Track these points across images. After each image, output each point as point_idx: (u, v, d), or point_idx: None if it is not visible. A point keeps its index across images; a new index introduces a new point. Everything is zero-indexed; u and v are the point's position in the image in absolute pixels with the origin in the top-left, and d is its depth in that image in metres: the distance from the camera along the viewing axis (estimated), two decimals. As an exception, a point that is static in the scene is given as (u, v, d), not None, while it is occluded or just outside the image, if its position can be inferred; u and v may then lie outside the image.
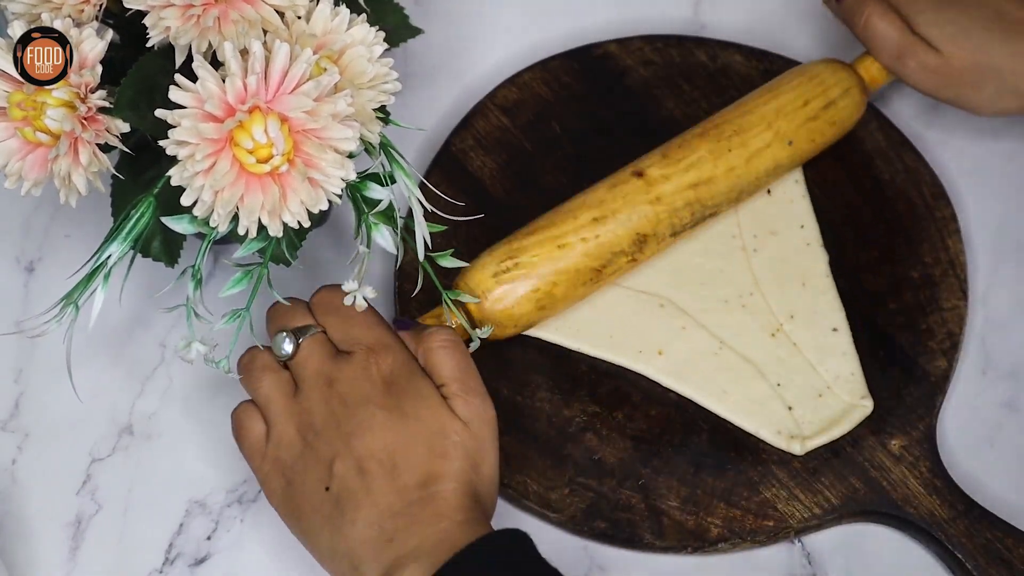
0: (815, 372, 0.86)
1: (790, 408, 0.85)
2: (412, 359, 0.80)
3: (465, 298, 0.83)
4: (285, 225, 0.72)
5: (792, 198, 0.91)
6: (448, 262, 0.80)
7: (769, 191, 0.91)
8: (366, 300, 0.77)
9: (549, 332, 0.87)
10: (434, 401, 0.78)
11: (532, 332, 0.87)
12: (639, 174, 0.87)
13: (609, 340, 0.87)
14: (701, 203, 0.87)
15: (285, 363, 0.80)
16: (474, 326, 0.84)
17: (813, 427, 0.85)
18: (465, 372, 0.80)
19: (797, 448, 0.84)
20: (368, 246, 0.77)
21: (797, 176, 0.92)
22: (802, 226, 0.90)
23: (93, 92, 0.74)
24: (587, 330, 0.87)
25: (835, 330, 0.87)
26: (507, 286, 0.84)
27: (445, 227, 0.81)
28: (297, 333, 0.80)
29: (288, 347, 0.79)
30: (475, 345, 0.83)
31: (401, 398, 0.78)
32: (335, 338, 0.80)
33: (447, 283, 0.83)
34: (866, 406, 0.85)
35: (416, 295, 0.84)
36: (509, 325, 0.85)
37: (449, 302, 0.81)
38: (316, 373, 0.79)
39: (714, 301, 0.88)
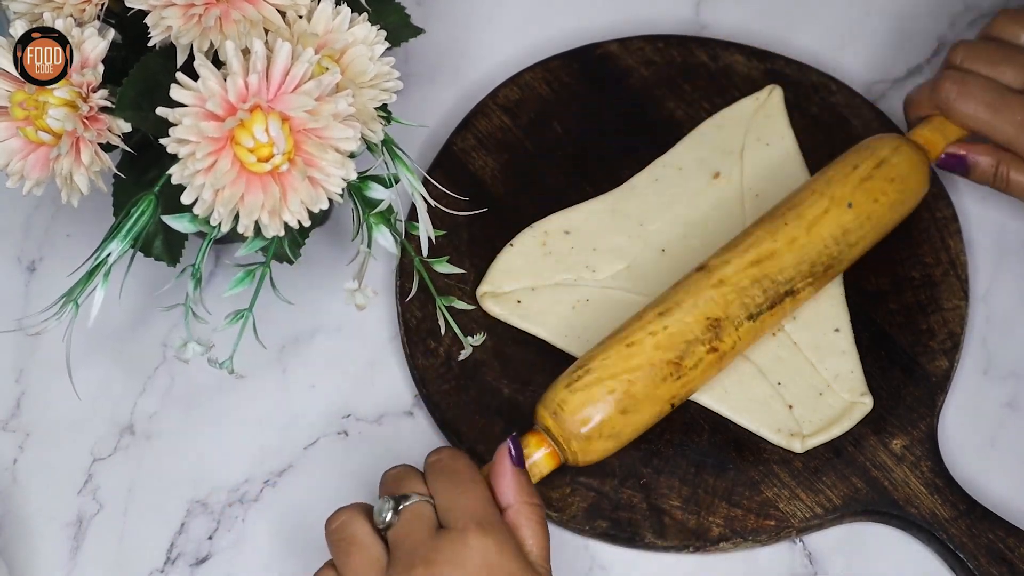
0: (815, 371, 0.86)
1: (790, 407, 0.85)
2: (514, 542, 0.74)
3: (460, 304, 0.82)
4: (286, 224, 0.72)
5: None
6: (444, 267, 0.81)
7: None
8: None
9: (556, 336, 0.87)
10: None
11: (539, 333, 0.87)
12: (700, 267, 0.84)
13: None
14: (770, 278, 0.83)
15: (384, 531, 0.75)
16: (563, 453, 0.80)
17: (813, 425, 0.85)
18: (547, 551, 0.75)
19: (797, 446, 0.84)
20: (369, 246, 0.77)
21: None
22: None
23: (95, 91, 0.74)
24: (595, 340, 0.87)
25: (837, 330, 0.87)
26: (582, 393, 0.80)
27: (444, 232, 0.81)
28: (400, 500, 0.74)
29: (388, 516, 0.74)
30: (467, 352, 0.82)
31: None
32: (440, 504, 0.75)
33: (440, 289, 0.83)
34: (866, 403, 0.85)
35: (417, 295, 0.84)
36: (595, 436, 0.80)
37: (443, 308, 0.81)
38: (411, 552, 0.72)
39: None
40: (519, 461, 0.77)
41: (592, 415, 0.80)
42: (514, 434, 0.78)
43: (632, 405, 0.81)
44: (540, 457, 0.80)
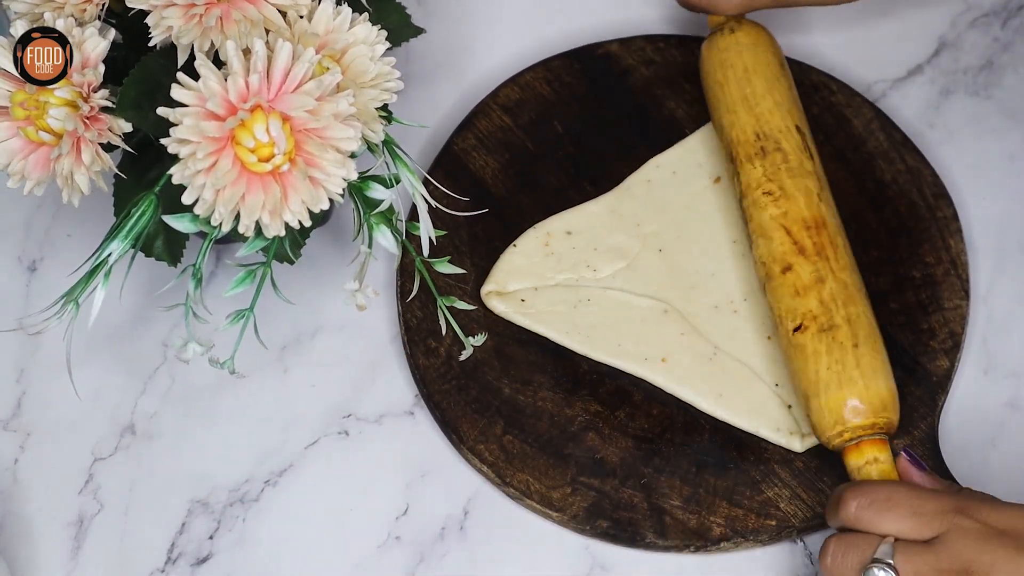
0: (816, 371, 0.86)
1: (789, 406, 0.85)
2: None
3: (460, 305, 0.82)
4: (287, 224, 0.72)
5: None
6: (446, 268, 0.81)
7: None
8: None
9: (560, 335, 0.87)
10: None
11: (542, 332, 0.87)
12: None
13: (618, 348, 0.87)
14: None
15: None
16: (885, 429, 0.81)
17: (814, 425, 0.85)
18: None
19: (797, 444, 0.84)
20: (369, 246, 0.77)
21: None
22: None
23: (96, 91, 0.74)
24: (597, 337, 0.87)
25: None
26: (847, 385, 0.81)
27: (444, 232, 0.81)
28: (877, 564, 0.73)
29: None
30: (468, 353, 0.82)
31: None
32: (905, 532, 0.74)
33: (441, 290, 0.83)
34: (868, 404, 0.85)
35: (418, 295, 0.84)
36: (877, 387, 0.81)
37: (444, 308, 0.81)
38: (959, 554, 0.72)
39: (706, 306, 0.88)
40: (921, 466, 0.79)
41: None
42: (904, 447, 0.79)
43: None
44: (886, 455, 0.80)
